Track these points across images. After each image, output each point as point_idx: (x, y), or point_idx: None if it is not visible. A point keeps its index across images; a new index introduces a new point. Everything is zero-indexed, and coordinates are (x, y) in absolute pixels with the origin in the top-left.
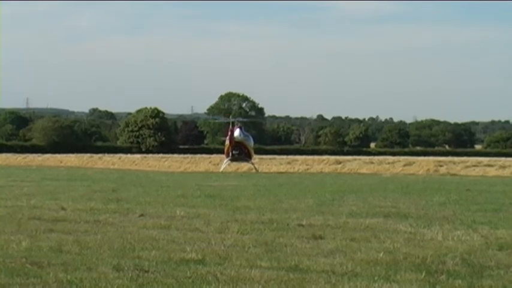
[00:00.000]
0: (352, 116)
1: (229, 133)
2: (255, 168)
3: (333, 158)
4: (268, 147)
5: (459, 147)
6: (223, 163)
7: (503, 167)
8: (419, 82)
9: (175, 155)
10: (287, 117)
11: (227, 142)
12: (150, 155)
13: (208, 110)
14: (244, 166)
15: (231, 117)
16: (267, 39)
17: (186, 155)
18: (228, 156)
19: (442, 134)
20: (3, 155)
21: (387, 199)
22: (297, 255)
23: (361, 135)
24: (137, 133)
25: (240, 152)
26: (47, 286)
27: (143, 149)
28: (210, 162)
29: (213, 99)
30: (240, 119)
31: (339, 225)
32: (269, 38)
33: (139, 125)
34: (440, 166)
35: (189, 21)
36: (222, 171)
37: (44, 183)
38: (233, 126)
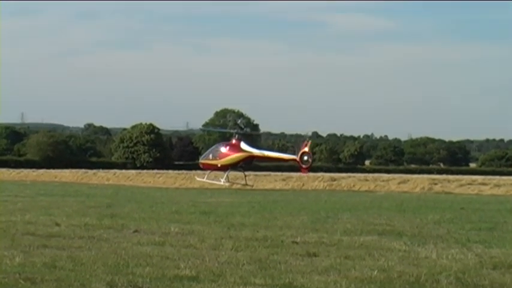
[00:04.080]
0: (347, 133)
1: (228, 146)
2: (247, 182)
3: (327, 175)
4: (262, 164)
5: (454, 165)
6: (224, 176)
7: (497, 185)
8: (414, 99)
9: (170, 171)
10: (282, 134)
11: (237, 154)
12: (144, 171)
13: (203, 126)
14: (238, 183)
15: (229, 128)
16: (262, 55)
17: (180, 171)
18: (228, 168)
19: (436, 152)
20: None
21: (382, 217)
22: (291, 273)
23: (356, 152)
24: (132, 149)
25: (246, 165)
26: None
27: (138, 165)
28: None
29: (208, 115)
30: (240, 131)
31: (334, 243)
32: (265, 54)
33: (134, 141)
34: (435, 184)
35: (184, 37)
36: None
37: (38, 198)
38: (234, 138)
